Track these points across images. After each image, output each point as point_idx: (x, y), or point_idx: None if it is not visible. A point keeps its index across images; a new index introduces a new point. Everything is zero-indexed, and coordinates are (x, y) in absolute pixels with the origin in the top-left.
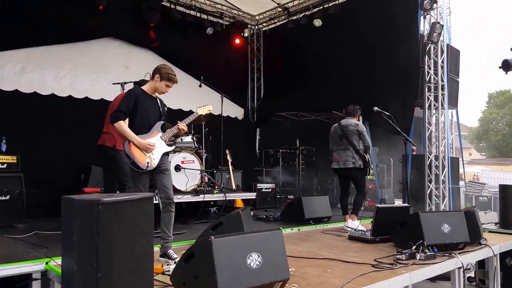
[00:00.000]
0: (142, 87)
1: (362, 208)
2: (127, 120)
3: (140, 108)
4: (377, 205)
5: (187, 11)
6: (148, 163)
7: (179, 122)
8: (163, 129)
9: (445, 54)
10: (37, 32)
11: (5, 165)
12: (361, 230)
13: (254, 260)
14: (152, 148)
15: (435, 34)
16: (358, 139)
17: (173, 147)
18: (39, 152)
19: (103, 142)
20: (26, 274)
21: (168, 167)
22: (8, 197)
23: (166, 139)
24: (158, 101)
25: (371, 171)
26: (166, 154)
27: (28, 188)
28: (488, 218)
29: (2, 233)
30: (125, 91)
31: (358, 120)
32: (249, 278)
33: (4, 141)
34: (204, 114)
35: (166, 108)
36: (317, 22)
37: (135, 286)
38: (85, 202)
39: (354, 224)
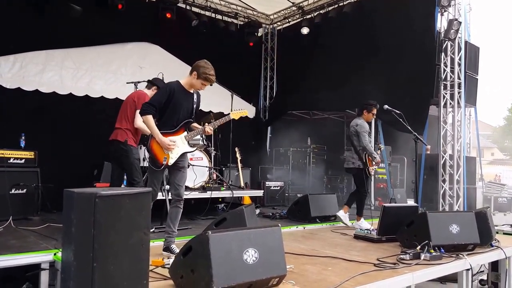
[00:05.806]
0: (181, 81)
1: (372, 208)
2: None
3: (173, 103)
4: (383, 204)
5: (202, 12)
6: (165, 159)
7: (206, 124)
8: (190, 128)
9: (462, 51)
10: (56, 34)
11: (23, 160)
12: (367, 229)
13: (250, 255)
14: (172, 147)
15: (452, 31)
16: (357, 139)
17: (194, 149)
18: (56, 148)
19: (115, 137)
20: (36, 264)
21: (185, 165)
22: (24, 190)
23: (189, 139)
24: (195, 96)
25: (371, 172)
26: (186, 153)
27: (44, 182)
28: (508, 220)
29: (18, 224)
30: (138, 89)
31: (372, 116)
32: (245, 273)
33: (23, 137)
34: (237, 118)
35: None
36: (305, 30)
37: (130, 277)
38: (84, 195)
39: (360, 224)
